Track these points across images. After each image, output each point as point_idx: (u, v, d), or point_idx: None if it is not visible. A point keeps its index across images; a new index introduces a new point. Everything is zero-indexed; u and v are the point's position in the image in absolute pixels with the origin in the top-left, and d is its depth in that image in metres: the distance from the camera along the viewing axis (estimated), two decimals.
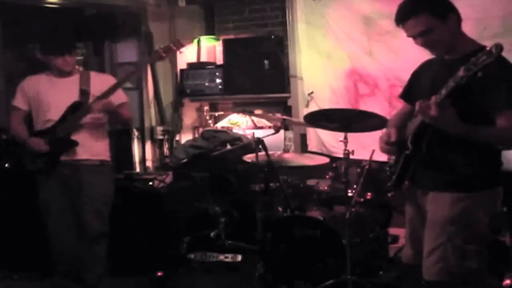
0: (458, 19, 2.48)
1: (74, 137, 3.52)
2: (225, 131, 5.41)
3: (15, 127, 3.65)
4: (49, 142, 3.50)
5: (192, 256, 4.29)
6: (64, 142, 3.50)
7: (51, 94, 3.54)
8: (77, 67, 3.70)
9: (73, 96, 3.52)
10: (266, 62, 5.43)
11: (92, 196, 3.54)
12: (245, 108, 5.18)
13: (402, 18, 2.47)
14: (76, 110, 3.48)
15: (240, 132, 5.43)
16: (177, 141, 5.98)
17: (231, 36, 5.86)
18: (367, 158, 3.69)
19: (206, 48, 6.02)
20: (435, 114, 2.29)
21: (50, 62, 3.55)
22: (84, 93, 3.49)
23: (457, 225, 2.45)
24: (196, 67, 5.86)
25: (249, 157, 3.96)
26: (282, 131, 4.14)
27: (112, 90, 3.48)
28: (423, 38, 2.45)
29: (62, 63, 3.51)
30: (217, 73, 5.70)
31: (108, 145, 3.71)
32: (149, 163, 5.96)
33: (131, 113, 3.79)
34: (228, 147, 5.03)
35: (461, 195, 2.45)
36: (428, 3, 2.44)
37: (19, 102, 3.64)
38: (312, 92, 5.28)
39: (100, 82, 3.59)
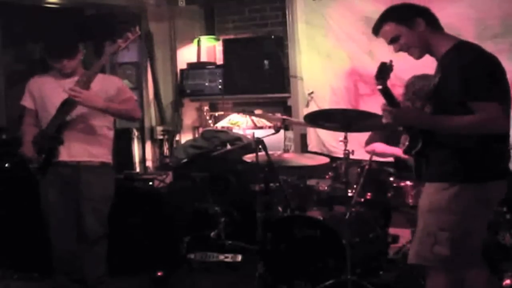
0: (428, 22, 2.62)
1: (74, 138, 3.51)
2: (225, 131, 5.40)
3: (23, 127, 3.66)
4: (40, 142, 3.50)
5: (192, 256, 4.28)
6: (51, 140, 3.48)
7: (55, 95, 3.53)
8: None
9: None
10: (266, 62, 5.43)
11: (91, 197, 3.53)
12: (245, 108, 5.18)
13: (375, 28, 2.71)
14: (64, 107, 3.48)
15: (240, 132, 5.42)
16: (177, 141, 5.98)
17: (231, 36, 5.87)
18: (367, 158, 3.70)
19: (206, 48, 6.02)
20: (391, 115, 2.55)
21: (50, 64, 3.54)
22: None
23: (433, 212, 2.56)
24: (196, 67, 5.87)
25: (249, 157, 3.95)
26: (282, 131, 4.14)
27: (89, 77, 3.45)
28: (394, 44, 2.67)
29: (60, 66, 3.50)
30: (217, 73, 5.71)
31: (110, 147, 3.69)
32: (149, 163, 5.96)
33: (138, 109, 3.75)
34: (228, 147, 5.02)
35: (444, 185, 2.54)
36: (393, 13, 2.67)
37: (27, 101, 3.65)
38: (312, 92, 5.28)
39: (101, 82, 3.58)
